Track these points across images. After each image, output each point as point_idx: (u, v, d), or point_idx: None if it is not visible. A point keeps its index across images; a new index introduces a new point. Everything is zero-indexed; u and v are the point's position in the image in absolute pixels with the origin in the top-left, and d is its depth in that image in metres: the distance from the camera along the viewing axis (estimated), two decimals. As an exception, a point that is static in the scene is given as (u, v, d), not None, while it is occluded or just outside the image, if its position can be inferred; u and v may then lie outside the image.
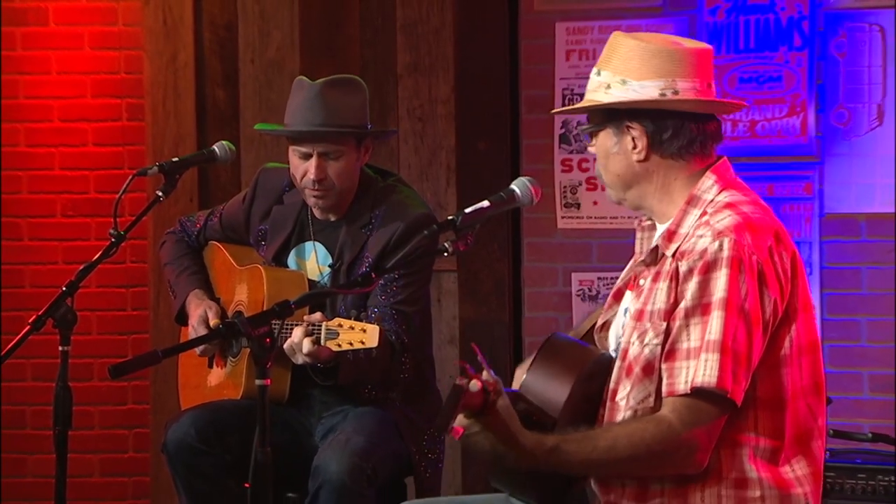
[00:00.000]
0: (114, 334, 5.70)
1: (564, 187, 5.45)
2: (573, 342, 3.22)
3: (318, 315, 3.78)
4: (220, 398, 4.22)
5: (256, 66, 5.51)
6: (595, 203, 5.42)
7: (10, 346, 3.53)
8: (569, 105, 5.38)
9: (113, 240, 3.73)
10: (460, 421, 2.89)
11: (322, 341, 3.70)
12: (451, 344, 5.43)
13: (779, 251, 2.97)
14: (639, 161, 3.10)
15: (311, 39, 5.48)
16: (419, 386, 4.22)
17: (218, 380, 4.28)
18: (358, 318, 3.68)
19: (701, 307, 2.91)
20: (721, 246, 2.92)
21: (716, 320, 2.89)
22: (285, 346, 3.81)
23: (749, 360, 2.90)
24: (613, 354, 3.12)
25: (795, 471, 2.98)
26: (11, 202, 5.75)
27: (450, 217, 3.24)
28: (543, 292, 5.46)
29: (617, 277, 3.09)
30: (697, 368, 2.88)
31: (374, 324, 3.67)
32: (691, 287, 2.93)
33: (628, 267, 3.26)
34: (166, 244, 4.49)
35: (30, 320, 3.53)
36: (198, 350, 4.25)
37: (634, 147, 3.10)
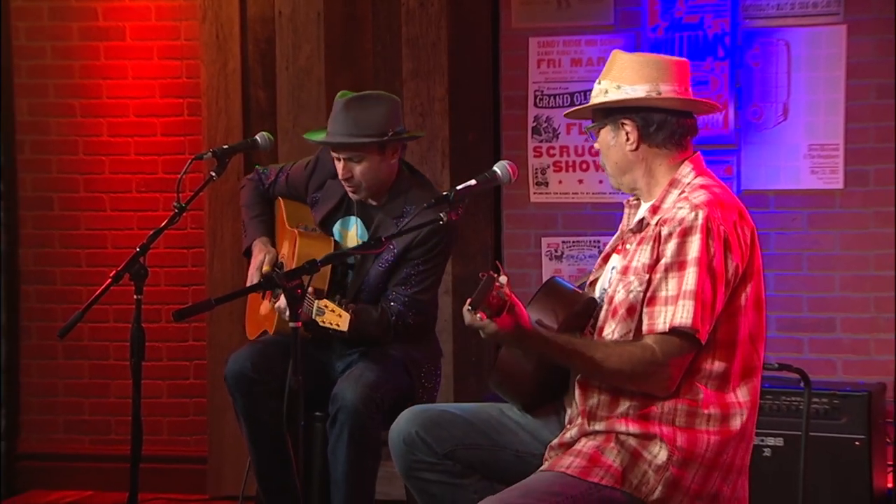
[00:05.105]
0: (177, 286, 5.69)
1: (536, 169, 5.44)
2: (568, 287, 3.19)
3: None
4: (263, 327, 4.23)
5: (290, 72, 5.48)
6: (560, 182, 5.41)
7: (95, 294, 3.55)
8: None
9: (176, 211, 3.74)
10: (479, 319, 2.85)
11: (312, 315, 3.70)
12: (446, 295, 5.41)
13: (741, 225, 2.98)
14: (631, 150, 3.08)
15: (334, 51, 5.46)
16: (421, 332, 4.21)
17: (265, 311, 4.28)
18: (339, 304, 3.67)
19: (678, 264, 2.92)
20: (696, 216, 2.92)
21: (691, 275, 2.90)
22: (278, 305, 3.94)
23: (713, 308, 2.92)
24: (599, 301, 3.12)
25: (738, 396, 3.00)
26: (96, 181, 5.74)
27: (444, 193, 3.25)
28: (519, 253, 5.46)
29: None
30: (676, 311, 2.89)
31: (349, 313, 3.65)
32: (671, 247, 2.93)
33: (615, 237, 3.23)
34: (245, 188, 4.42)
35: (111, 274, 3.55)
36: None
37: (627, 139, 3.07)
